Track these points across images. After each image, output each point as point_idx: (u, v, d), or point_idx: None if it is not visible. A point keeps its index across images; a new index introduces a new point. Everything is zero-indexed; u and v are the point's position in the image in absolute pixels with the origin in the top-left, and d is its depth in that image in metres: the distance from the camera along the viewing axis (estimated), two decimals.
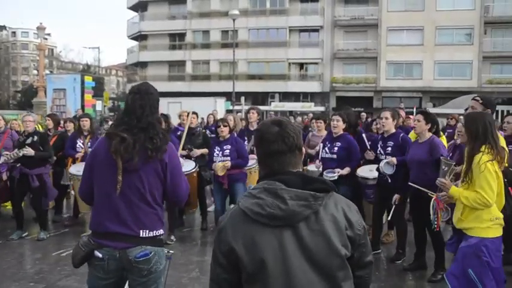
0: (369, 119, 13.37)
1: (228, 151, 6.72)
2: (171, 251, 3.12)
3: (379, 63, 39.53)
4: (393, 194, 5.93)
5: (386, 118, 6.15)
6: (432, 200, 4.52)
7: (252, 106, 9.13)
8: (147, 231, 2.84)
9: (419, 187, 5.05)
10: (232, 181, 6.76)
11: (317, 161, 6.67)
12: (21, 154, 6.83)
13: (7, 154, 6.92)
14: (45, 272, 5.80)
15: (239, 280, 1.80)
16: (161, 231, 2.94)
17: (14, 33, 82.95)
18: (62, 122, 9.38)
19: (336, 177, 6.07)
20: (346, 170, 6.24)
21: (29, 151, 6.84)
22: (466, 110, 5.74)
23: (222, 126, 6.85)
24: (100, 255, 2.81)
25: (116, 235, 2.80)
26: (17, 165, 7.04)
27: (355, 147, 6.47)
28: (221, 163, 6.61)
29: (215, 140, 7.06)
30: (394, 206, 5.96)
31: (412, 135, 6.45)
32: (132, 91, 3.02)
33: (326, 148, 6.51)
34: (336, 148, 6.36)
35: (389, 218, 6.17)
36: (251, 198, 1.77)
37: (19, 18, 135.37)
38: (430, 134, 5.53)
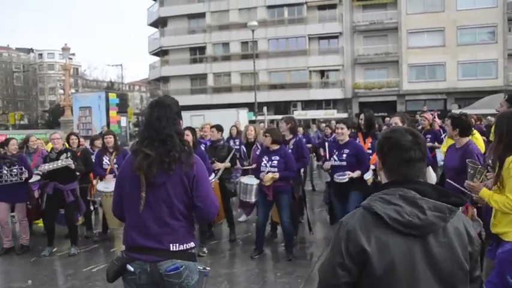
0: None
1: (276, 162, 6.63)
2: (207, 268, 3.06)
3: (401, 67, 39.21)
4: None
5: (396, 123, 6.14)
6: (460, 209, 4.39)
7: (287, 116, 9.12)
8: (177, 244, 2.83)
9: (458, 186, 4.85)
10: (276, 193, 6.66)
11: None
12: (62, 164, 7.10)
13: (44, 166, 7.13)
14: (77, 287, 5.90)
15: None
16: (192, 245, 2.91)
17: (40, 55, 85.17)
18: (81, 139, 9.48)
19: (346, 179, 6.11)
20: (356, 173, 6.23)
21: (70, 162, 7.13)
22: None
23: (265, 136, 6.81)
24: (132, 269, 2.82)
25: (147, 249, 2.81)
26: (48, 182, 7.26)
27: (363, 153, 6.46)
28: (270, 174, 6.54)
29: (264, 150, 7.01)
30: None
31: (447, 141, 6.27)
32: (150, 105, 3.05)
33: (334, 156, 6.49)
34: (344, 155, 6.37)
35: None
36: (386, 203, 1.77)
37: (45, 41, 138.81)
38: (467, 139, 5.21)
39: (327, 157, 6.84)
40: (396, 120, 6.18)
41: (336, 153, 6.50)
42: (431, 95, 38.14)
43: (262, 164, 6.74)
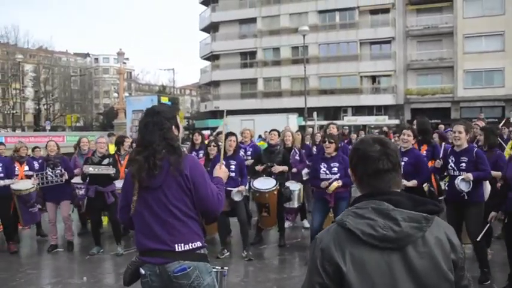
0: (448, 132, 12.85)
1: (336, 169, 6.56)
2: (225, 267, 3.07)
3: (456, 73, 38.03)
4: (468, 210, 5.61)
5: (460, 132, 5.74)
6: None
7: (331, 121, 9.06)
8: (183, 244, 2.84)
9: None
10: (336, 199, 6.59)
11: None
12: (104, 172, 7.35)
13: (89, 167, 7.38)
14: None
15: None
16: (199, 244, 2.90)
17: (96, 59, 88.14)
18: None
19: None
20: (412, 183, 5.82)
21: (113, 171, 7.42)
22: None
23: (327, 143, 6.71)
24: (143, 272, 2.87)
25: (154, 251, 2.85)
26: (89, 186, 7.56)
27: (423, 162, 6.15)
28: (336, 183, 6.45)
29: (321, 156, 6.91)
30: (488, 224, 5.62)
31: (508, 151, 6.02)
32: (144, 113, 3.15)
33: None
34: (402, 163, 6.03)
35: (478, 238, 5.61)
36: (358, 218, 1.71)
37: (101, 45, 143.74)
38: None
39: None
40: (460, 129, 5.81)
41: None
42: (488, 102, 36.74)
43: (321, 172, 6.64)
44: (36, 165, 9.18)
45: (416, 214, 1.69)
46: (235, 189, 6.90)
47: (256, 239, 7.89)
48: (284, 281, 6.15)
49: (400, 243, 1.66)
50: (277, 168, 7.60)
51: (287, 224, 8.88)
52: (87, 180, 7.65)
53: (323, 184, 6.51)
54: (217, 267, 3.00)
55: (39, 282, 6.38)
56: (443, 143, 6.98)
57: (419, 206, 1.72)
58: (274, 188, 7.37)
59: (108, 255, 7.58)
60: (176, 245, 2.83)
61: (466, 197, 5.59)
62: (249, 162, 8.31)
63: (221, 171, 3.28)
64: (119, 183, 7.86)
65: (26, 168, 8.41)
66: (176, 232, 2.85)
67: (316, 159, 7.12)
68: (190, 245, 2.86)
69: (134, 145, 8.85)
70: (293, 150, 8.52)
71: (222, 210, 3.08)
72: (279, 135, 8.52)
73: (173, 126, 3.03)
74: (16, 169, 8.36)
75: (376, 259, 1.66)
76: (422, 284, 1.65)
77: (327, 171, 6.58)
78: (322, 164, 6.69)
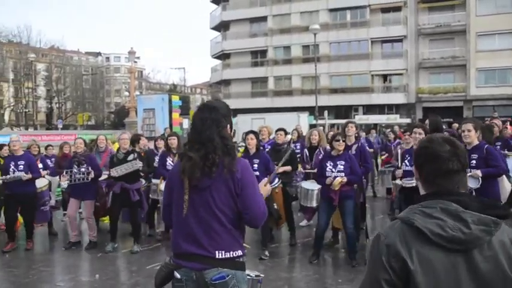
0: (459, 130, 12.75)
1: (342, 167, 6.53)
2: (261, 275, 3.00)
3: (469, 71, 37.70)
4: None
5: (469, 130, 5.70)
6: None
7: (350, 120, 8.96)
8: (223, 252, 2.73)
9: None
10: (342, 198, 6.55)
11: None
12: (134, 168, 7.44)
13: (117, 169, 7.41)
14: (141, 284, 6.05)
15: None
16: (240, 253, 2.80)
17: (107, 58, 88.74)
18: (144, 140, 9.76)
19: (414, 184, 5.73)
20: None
21: (141, 164, 7.51)
22: None
23: (340, 141, 6.65)
24: (179, 276, 2.76)
25: (192, 256, 2.74)
26: (114, 181, 7.55)
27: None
28: (339, 179, 6.43)
29: (328, 154, 6.90)
30: None
31: None
32: (198, 107, 2.99)
33: (406, 161, 6.22)
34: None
35: None
36: (427, 217, 1.68)
37: (112, 45, 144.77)
38: None
39: (399, 164, 6.64)
40: (469, 127, 5.75)
41: (409, 158, 6.26)
42: (500, 101, 36.35)
43: (327, 169, 6.62)
44: (49, 163, 9.27)
45: (486, 217, 1.66)
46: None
47: (268, 237, 7.87)
48: (295, 280, 6.13)
49: (468, 246, 1.64)
50: (279, 169, 7.54)
51: (304, 222, 8.85)
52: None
53: (328, 180, 6.50)
54: (251, 274, 2.92)
55: (52, 279, 6.42)
56: None
57: (487, 209, 1.69)
58: (275, 186, 7.29)
59: (120, 252, 7.60)
60: (217, 252, 2.73)
61: (473, 194, 5.53)
62: None
63: (265, 188, 3.09)
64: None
65: (40, 166, 8.43)
66: (218, 238, 2.74)
67: (322, 157, 7.09)
68: (231, 253, 2.76)
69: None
70: (318, 150, 8.45)
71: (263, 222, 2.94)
72: (286, 134, 8.45)
73: (228, 125, 2.91)
74: None
75: (442, 260, 1.64)
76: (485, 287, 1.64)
77: (333, 169, 6.57)
78: (328, 162, 6.68)
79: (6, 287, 6.13)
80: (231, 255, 2.75)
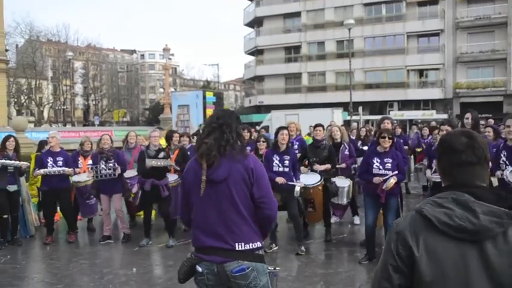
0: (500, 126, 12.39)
1: (389, 165, 6.40)
2: (277, 268, 3.03)
3: (509, 65, 36.59)
4: None
5: (509, 126, 5.57)
6: None
7: (386, 116, 8.80)
8: (243, 243, 2.80)
9: None
10: (388, 195, 6.40)
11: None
12: (165, 164, 7.62)
13: (152, 161, 7.53)
14: (176, 278, 6.08)
15: None
16: (259, 245, 2.87)
17: (142, 55, 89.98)
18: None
19: None
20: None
21: (172, 164, 7.73)
22: None
23: (387, 138, 6.46)
24: (200, 270, 2.82)
25: (212, 249, 2.80)
26: (145, 179, 7.68)
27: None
28: (393, 180, 6.28)
29: (374, 151, 6.69)
30: None
31: None
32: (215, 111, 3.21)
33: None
34: None
35: None
36: (437, 206, 1.70)
37: (147, 42, 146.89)
38: None
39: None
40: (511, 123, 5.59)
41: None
42: None
43: (374, 166, 6.45)
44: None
45: (498, 209, 1.64)
46: (297, 187, 6.82)
47: (302, 233, 7.84)
48: (331, 276, 6.09)
49: (478, 236, 1.62)
50: (319, 167, 7.48)
51: (334, 219, 8.79)
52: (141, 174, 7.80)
53: (376, 180, 6.34)
54: (269, 268, 2.95)
55: (91, 272, 6.55)
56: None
57: (502, 201, 1.67)
58: (318, 184, 7.29)
59: (156, 247, 7.70)
60: (237, 244, 2.79)
61: None
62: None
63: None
64: (172, 177, 8.01)
65: (90, 162, 8.48)
66: (238, 230, 2.81)
67: (368, 153, 6.90)
68: (250, 244, 2.83)
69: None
70: (342, 145, 8.36)
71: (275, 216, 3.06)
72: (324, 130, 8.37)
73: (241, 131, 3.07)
74: (80, 162, 8.69)
75: (451, 250, 1.64)
76: (496, 281, 1.60)
77: (380, 167, 6.40)
78: (375, 158, 6.49)
79: (48, 278, 6.30)
80: (251, 247, 2.82)
